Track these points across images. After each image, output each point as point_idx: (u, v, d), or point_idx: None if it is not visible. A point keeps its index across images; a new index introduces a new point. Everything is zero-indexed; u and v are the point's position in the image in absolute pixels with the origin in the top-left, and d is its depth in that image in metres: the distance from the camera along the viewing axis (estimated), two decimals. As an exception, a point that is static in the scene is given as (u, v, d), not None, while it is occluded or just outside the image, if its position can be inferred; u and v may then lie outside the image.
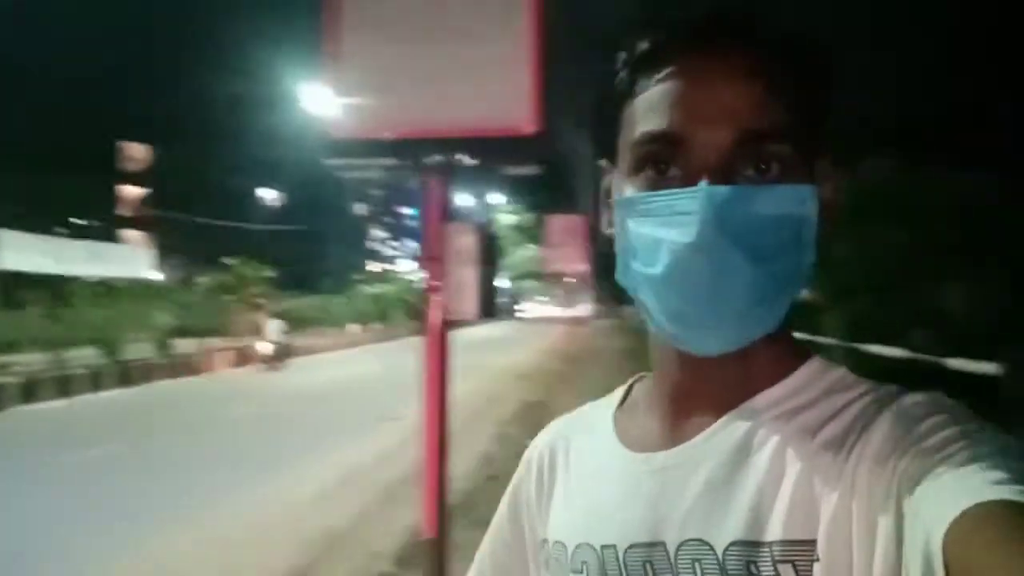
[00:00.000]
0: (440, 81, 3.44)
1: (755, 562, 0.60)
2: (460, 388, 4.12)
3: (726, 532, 0.62)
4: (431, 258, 3.69)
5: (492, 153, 3.68)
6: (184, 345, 20.47)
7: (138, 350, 18.47)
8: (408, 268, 65.30)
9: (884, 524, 0.55)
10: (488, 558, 0.86)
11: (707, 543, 0.63)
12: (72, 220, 40.27)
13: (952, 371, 6.12)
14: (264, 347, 20.46)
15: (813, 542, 0.59)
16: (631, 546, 0.67)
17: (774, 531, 0.60)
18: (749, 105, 0.62)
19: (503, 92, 3.40)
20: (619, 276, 0.69)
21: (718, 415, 0.68)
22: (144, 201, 46.29)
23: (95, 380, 15.75)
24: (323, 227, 58.20)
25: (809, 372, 0.68)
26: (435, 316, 3.63)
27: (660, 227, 0.63)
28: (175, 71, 44.26)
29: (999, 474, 0.50)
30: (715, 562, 0.62)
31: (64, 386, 14.79)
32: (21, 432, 11.39)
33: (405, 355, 6.95)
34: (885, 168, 7.35)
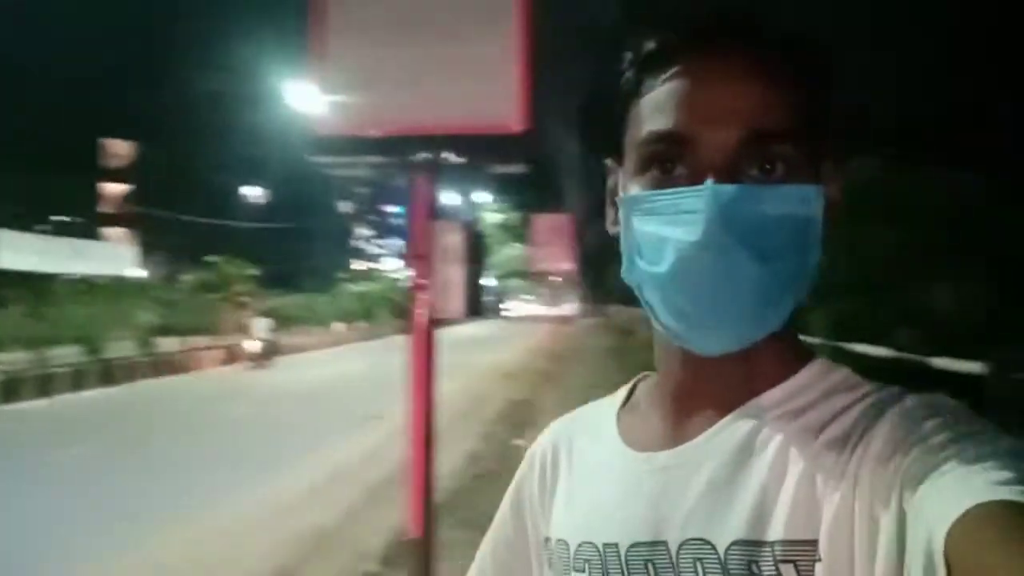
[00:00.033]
0: (427, 78, 3.42)
1: (757, 562, 0.61)
2: (446, 387, 4.11)
3: (728, 531, 0.63)
4: (417, 256, 3.67)
5: (479, 151, 3.67)
6: (167, 344, 20.34)
7: (121, 348, 18.34)
8: (393, 266, 65.22)
9: (886, 524, 0.55)
10: (490, 556, 0.86)
11: (709, 542, 0.63)
12: (54, 217, 40.00)
13: (937, 370, 6.16)
14: (251, 345, 20.40)
15: (815, 542, 0.59)
16: (633, 545, 0.68)
17: (776, 531, 0.61)
18: (754, 105, 0.63)
19: (490, 90, 3.39)
20: (624, 274, 0.69)
21: (721, 415, 0.68)
22: (127, 198, 46.01)
23: (77, 379, 15.63)
24: (308, 225, 57.99)
25: (812, 373, 0.68)
26: (421, 314, 3.61)
27: (665, 225, 0.64)
28: (159, 68, 44.03)
29: (1001, 475, 0.50)
30: (717, 561, 0.62)
31: (45, 385, 14.66)
32: (1, 431, 11.28)
33: (390, 354, 6.94)
34: (871, 167, 7.40)
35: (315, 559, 5.68)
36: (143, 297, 23.79)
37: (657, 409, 0.73)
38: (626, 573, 0.68)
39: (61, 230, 37.90)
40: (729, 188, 0.61)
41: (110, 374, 16.63)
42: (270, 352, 20.53)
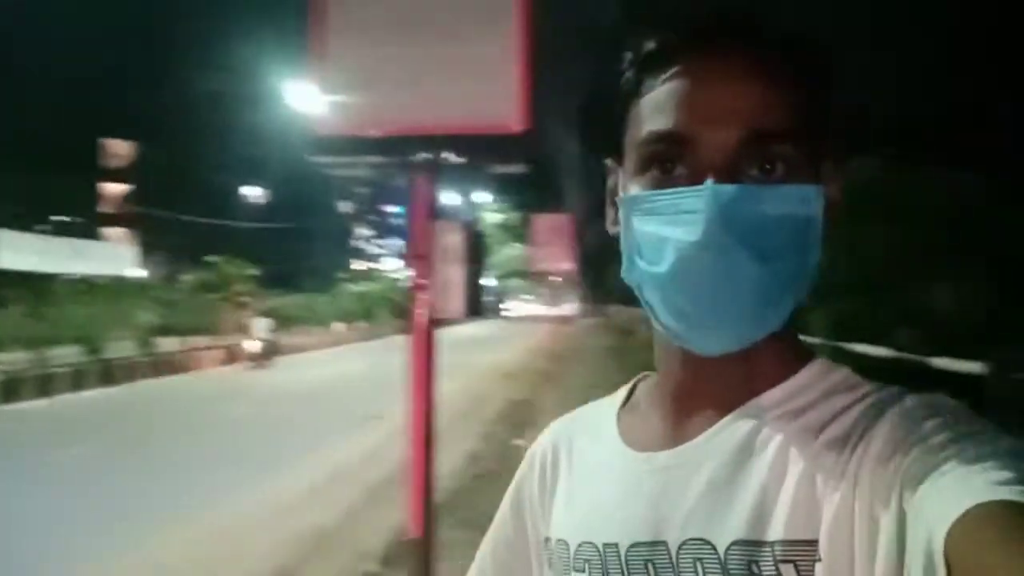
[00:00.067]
0: (427, 78, 3.42)
1: (757, 562, 0.61)
2: (446, 387, 4.11)
3: (728, 531, 0.63)
4: (418, 256, 3.67)
5: (479, 151, 3.67)
6: (167, 344, 20.33)
7: (121, 348, 18.32)
8: (393, 266, 65.19)
9: (886, 524, 0.55)
10: (490, 556, 0.86)
11: (709, 542, 0.63)
12: (54, 217, 39.97)
13: (937, 370, 6.15)
14: (252, 345, 20.41)
15: (815, 542, 0.59)
16: (633, 545, 0.68)
17: (776, 531, 0.61)
18: (755, 105, 0.63)
19: (491, 90, 3.38)
20: (624, 274, 0.69)
21: (721, 415, 0.68)
22: (127, 198, 45.97)
23: (77, 379, 15.62)
24: (308, 225, 57.94)
25: (812, 373, 0.68)
26: (421, 314, 3.61)
27: (665, 225, 0.64)
28: (159, 68, 44.01)
29: (1002, 475, 0.50)
30: (717, 561, 0.62)
31: (46, 385, 14.65)
32: (1, 431, 11.27)
33: (390, 354, 6.93)
34: (871, 167, 7.39)
35: (315, 559, 5.67)
36: (143, 297, 23.79)
37: (657, 409, 0.73)
38: (626, 573, 0.68)
39: (61, 230, 37.87)
40: (729, 188, 0.61)
41: (110, 374, 16.62)
42: (270, 352, 20.54)
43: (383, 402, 9.51)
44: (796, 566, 0.59)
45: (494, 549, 0.85)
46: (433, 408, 3.62)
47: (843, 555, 0.58)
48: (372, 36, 3.45)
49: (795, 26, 0.67)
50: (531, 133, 3.43)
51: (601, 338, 26.55)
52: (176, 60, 44.12)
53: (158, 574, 5.61)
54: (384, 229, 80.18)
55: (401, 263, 59.44)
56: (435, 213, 3.78)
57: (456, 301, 3.96)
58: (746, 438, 0.66)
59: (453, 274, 3.93)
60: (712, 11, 0.66)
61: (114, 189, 46.10)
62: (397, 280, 45.04)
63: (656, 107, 0.65)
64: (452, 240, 4.01)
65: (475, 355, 20.05)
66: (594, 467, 0.76)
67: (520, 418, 10.94)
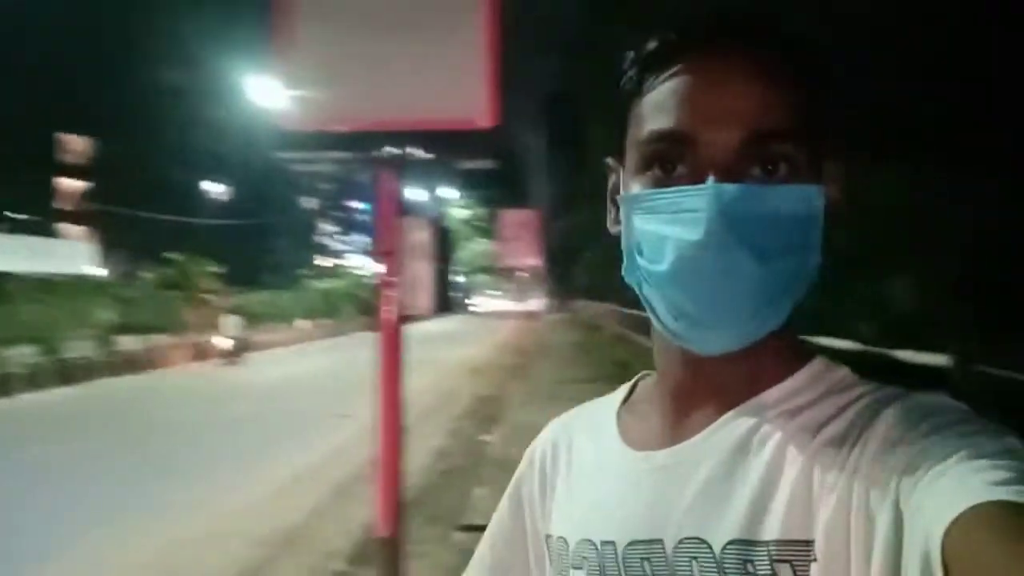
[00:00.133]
0: (393, 73, 3.38)
1: (752, 561, 0.61)
2: (413, 383, 4.09)
3: (724, 531, 0.63)
4: (384, 253, 3.64)
5: (446, 147, 3.66)
6: (127, 342, 20.02)
7: (80, 348, 18.01)
8: (358, 263, 64.83)
9: (882, 524, 0.55)
10: (488, 553, 0.86)
11: (705, 541, 0.63)
12: (8, 214, 39.14)
13: (900, 363, 6.25)
14: (223, 342, 20.37)
15: (811, 542, 0.59)
16: (630, 543, 0.68)
17: (772, 530, 0.61)
18: (756, 105, 0.63)
19: (458, 85, 3.36)
20: (624, 273, 0.69)
21: (719, 414, 0.68)
22: (85, 195, 45.16)
23: (34, 379, 15.32)
24: (271, 221, 57.37)
25: (811, 372, 0.69)
26: (389, 311, 3.59)
27: (666, 224, 0.64)
28: (118, 61, 43.18)
29: (999, 475, 0.50)
30: (712, 560, 0.62)
31: (3, 385, 14.35)
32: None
33: (356, 350, 6.89)
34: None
35: (284, 558, 5.62)
36: (102, 295, 23.31)
37: (656, 408, 0.74)
38: (623, 571, 0.68)
39: (16, 228, 37.09)
40: (731, 187, 0.61)
41: (69, 373, 16.32)
42: (241, 349, 20.53)
43: (349, 400, 9.45)
44: (792, 566, 0.59)
45: (493, 546, 0.86)
46: (401, 405, 3.60)
47: (839, 555, 0.58)
48: (337, 30, 3.41)
49: (795, 26, 0.67)
50: (498, 129, 3.42)
51: (567, 333, 26.65)
52: (136, 53, 43.36)
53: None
54: (349, 225, 79.68)
55: (366, 259, 59.15)
56: (401, 209, 3.76)
57: (423, 297, 3.95)
58: (743, 437, 0.66)
59: (420, 270, 3.91)
60: (713, 11, 0.66)
61: (71, 185, 45.25)
62: (362, 277, 44.79)
63: (657, 106, 0.65)
64: (419, 236, 4.00)
65: (442, 351, 20.04)
66: (593, 465, 0.76)
67: (487, 413, 10.94)
